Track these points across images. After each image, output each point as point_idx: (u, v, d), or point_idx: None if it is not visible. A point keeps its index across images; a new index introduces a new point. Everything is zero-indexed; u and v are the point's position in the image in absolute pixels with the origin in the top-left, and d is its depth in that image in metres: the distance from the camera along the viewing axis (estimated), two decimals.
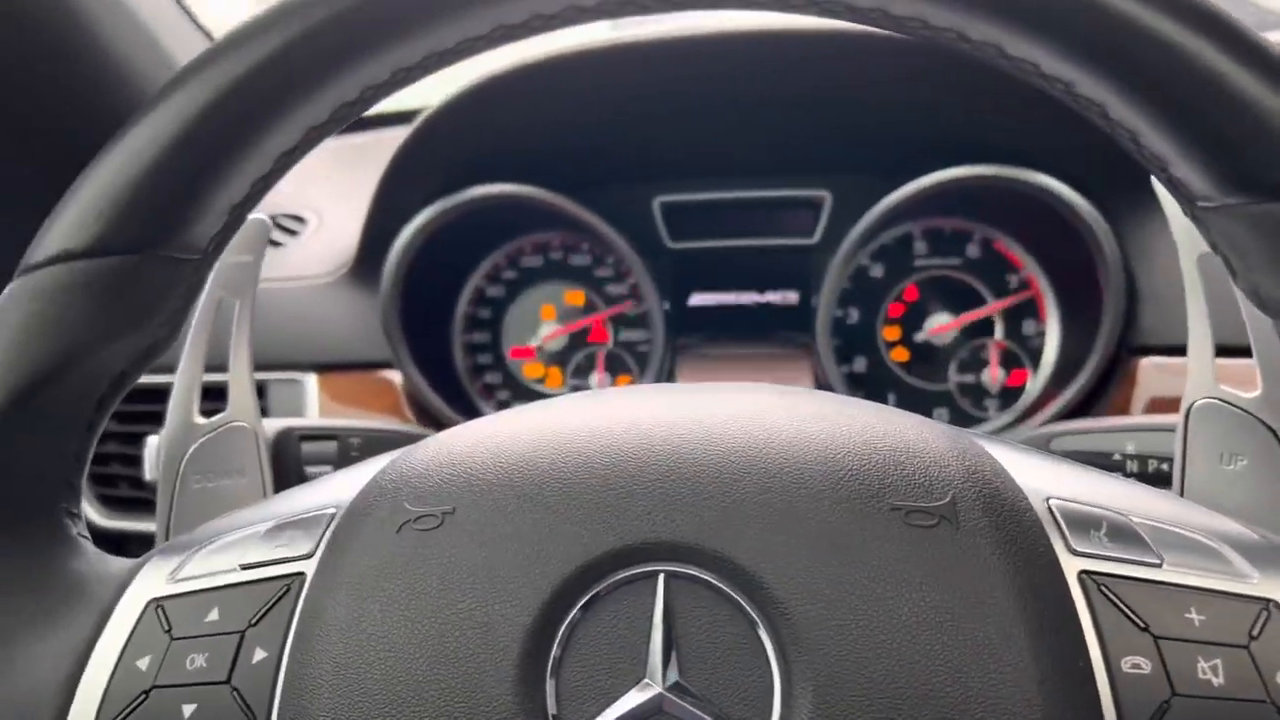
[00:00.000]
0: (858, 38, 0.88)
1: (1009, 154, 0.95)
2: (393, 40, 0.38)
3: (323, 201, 1.13)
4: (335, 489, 0.43)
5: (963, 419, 1.03)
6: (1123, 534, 0.37)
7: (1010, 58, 0.37)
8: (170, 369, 0.59)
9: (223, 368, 0.62)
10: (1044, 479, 0.40)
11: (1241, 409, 0.50)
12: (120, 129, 0.39)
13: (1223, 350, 0.54)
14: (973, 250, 1.04)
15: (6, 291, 0.39)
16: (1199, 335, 0.53)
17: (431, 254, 1.01)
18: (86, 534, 0.43)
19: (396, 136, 0.98)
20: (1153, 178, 0.50)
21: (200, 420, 0.60)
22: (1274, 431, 0.49)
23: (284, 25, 0.37)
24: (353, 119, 0.42)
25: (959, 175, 0.95)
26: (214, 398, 0.62)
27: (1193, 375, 0.52)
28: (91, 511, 0.97)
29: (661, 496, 0.37)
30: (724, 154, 1.05)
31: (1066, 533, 0.37)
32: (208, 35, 1.15)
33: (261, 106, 0.38)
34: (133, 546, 0.98)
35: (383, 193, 1.00)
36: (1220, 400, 0.51)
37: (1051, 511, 0.38)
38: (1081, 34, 0.35)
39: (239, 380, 0.61)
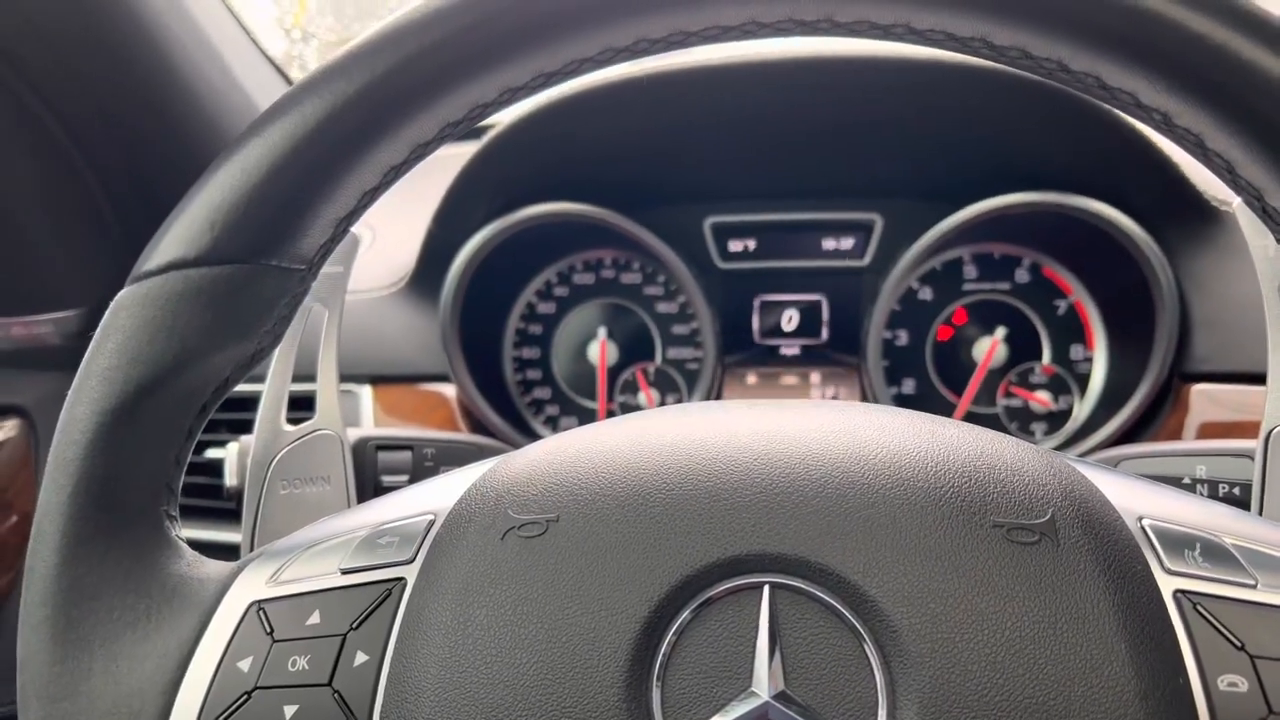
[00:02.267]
0: (910, 66, 0.89)
1: (1060, 181, 0.95)
2: (501, 61, 0.39)
3: (378, 217, 1.15)
4: (430, 496, 0.44)
5: None
6: (1216, 554, 0.38)
7: (1109, 88, 0.37)
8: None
9: (301, 376, 0.63)
10: (1135, 499, 0.40)
11: None
12: (232, 144, 0.40)
13: None
14: (1021, 275, 1.05)
15: (118, 299, 0.40)
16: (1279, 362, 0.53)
17: (488, 270, 1.03)
18: (182, 535, 0.44)
19: (449, 154, 0.99)
20: (1236, 208, 0.51)
21: (288, 427, 0.61)
22: None
23: (398, 45, 0.38)
24: (457, 136, 0.43)
25: (1012, 202, 0.96)
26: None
27: (1272, 401, 0.53)
28: None
29: (766, 509, 0.38)
30: (775, 177, 1.07)
31: (1161, 552, 0.38)
32: (286, 78, 1.18)
33: (373, 123, 0.39)
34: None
35: (445, 209, 1.01)
36: None
37: (1145, 531, 0.38)
38: (1182, 67, 0.35)
39: (326, 388, 0.62)
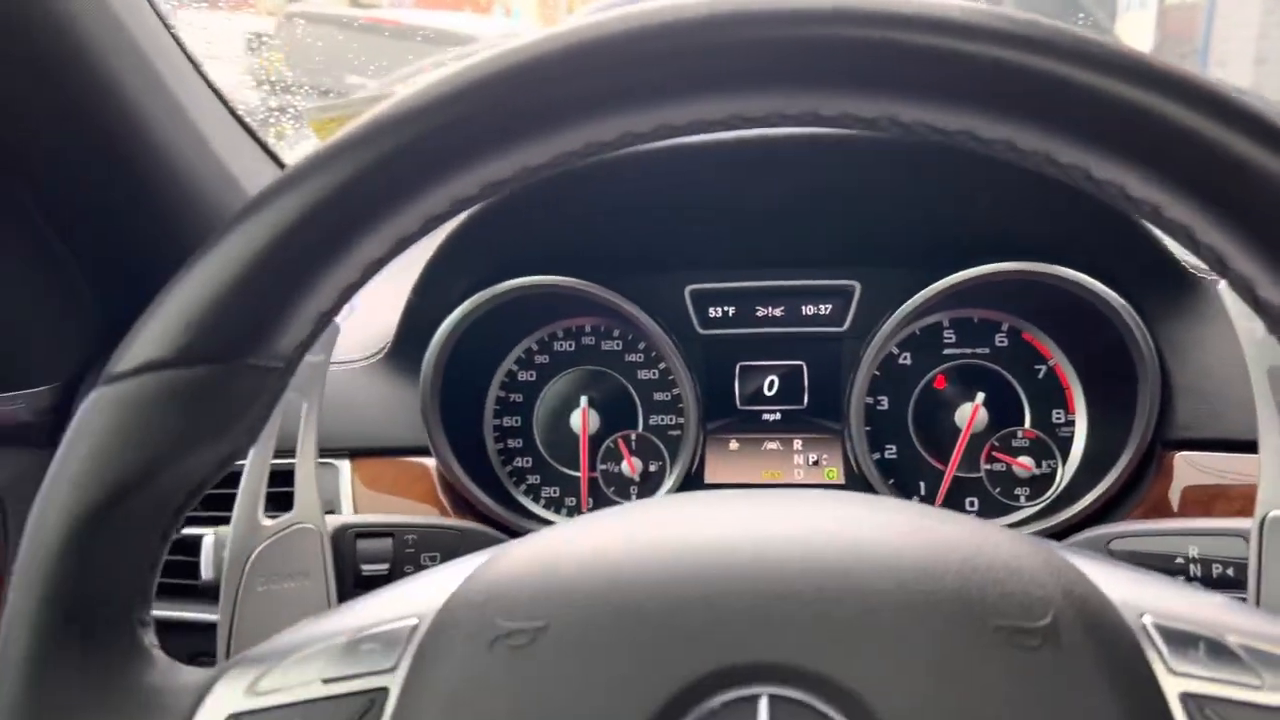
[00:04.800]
0: (887, 137, 0.90)
1: (1038, 249, 0.96)
2: (484, 155, 0.38)
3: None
4: (414, 597, 0.43)
5: (994, 507, 1.03)
6: (1221, 653, 0.37)
7: (1097, 180, 0.37)
8: None
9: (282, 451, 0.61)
10: (1135, 594, 0.40)
11: None
12: (210, 239, 0.39)
13: None
14: (1001, 340, 1.05)
15: (89, 400, 0.39)
16: (1271, 446, 0.53)
17: (468, 341, 1.02)
18: (156, 642, 0.42)
19: None
20: (1221, 290, 0.51)
21: (266, 522, 0.59)
22: None
23: (379, 139, 0.38)
24: (439, 226, 0.42)
25: (990, 271, 0.96)
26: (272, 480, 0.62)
27: (1265, 486, 0.52)
28: None
29: (764, 616, 0.37)
30: (754, 245, 1.07)
31: (1165, 652, 0.37)
32: (273, 157, 1.18)
33: (354, 219, 0.39)
34: (167, 635, 0.97)
35: (425, 281, 1.01)
36: None
37: (1147, 630, 0.38)
38: (1171, 161, 0.35)
39: (305, 481, 0.61)
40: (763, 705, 0.35)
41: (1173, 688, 0.36)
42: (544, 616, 0.38)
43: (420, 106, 0.38)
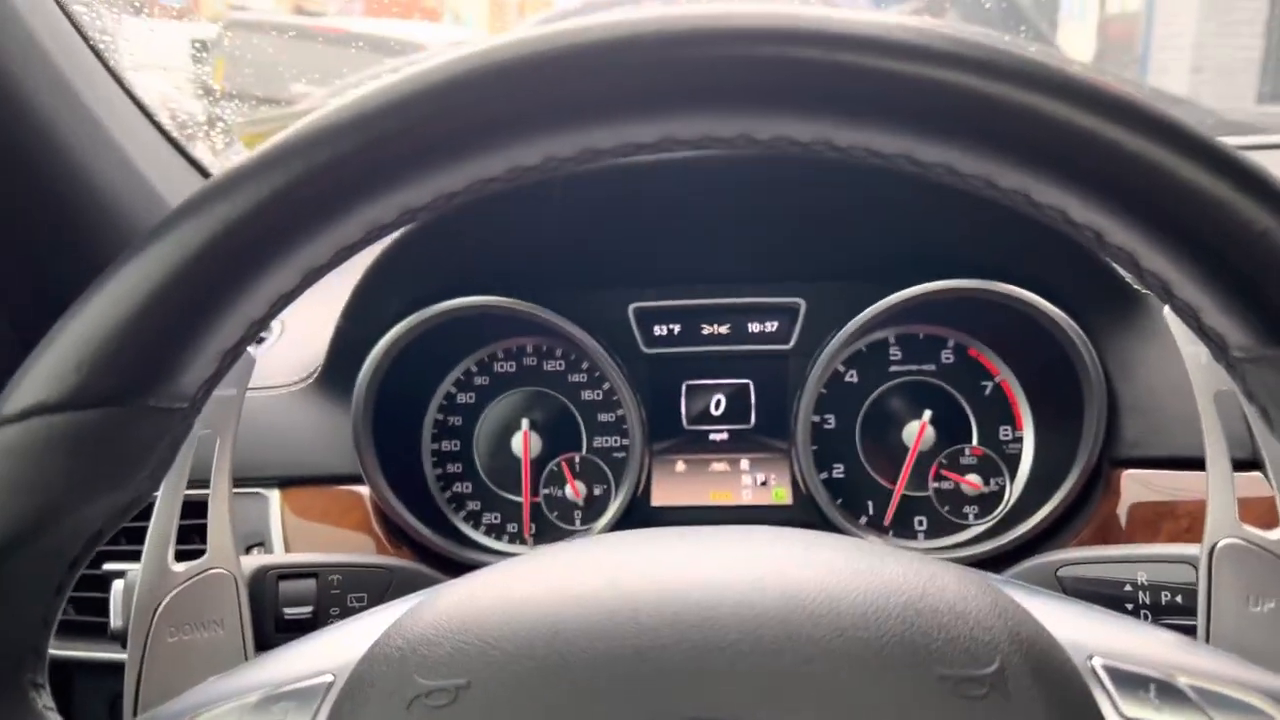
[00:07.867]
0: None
1: (984, 266, 0.95)
2: (401, 180, 0.36)
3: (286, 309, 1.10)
4: (330, 650, 0.40)
5: (942, 526, 1.02)
6: (1171, 695, 0.36)
7: (1037, 205, 0.36)
8: None
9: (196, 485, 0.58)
10: (1083, 634, 0.39)
11: (1267, 550, 0.49)
12: (104, 272, 0.37)
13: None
14: (947, 356, 1.04)
15: None
16: (1218, 473, 0.52)
17: (403, 364, 0.99)
18: (52, 704, 0.39)
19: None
20: (1166, 313, 0.50)
21: (176, 567, 0.56)
22: None
23: (286, 165, 0.35)
24: (352, 257, 0.40)
25: (936, 289, 0.95)
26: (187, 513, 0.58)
27: (1213, 514, 0.51)
28: None
29: (698, 670, 0.35)
30: (698, 262, 1.05)
31: (1114, 695, 0.36)
32: (203, 172, 1.13)
33: (259, 250, 0.36)
34: (81, 678, 0.92)
35: (355, 303, 0.97)
36: (1244, 541, 0.50)
37: (1096, 672, 0.37)
38: (1111, 183, 0.34)
39: (219, 522, 0.57)
40: None
41: None
42: (465, 673, 0.36)
43: (331, 127, 0.35)
